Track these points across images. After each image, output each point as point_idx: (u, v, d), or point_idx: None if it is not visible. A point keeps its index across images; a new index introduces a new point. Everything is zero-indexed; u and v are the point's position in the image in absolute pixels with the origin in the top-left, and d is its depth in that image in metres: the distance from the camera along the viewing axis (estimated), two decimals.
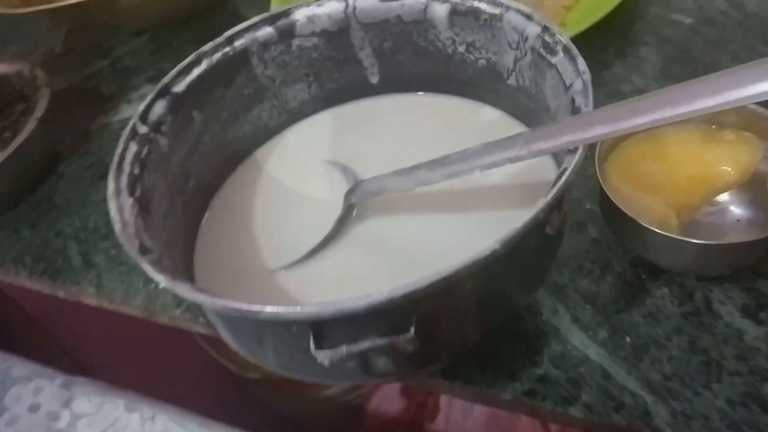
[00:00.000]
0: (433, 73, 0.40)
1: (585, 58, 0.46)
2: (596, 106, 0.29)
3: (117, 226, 0.30)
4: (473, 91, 0.40)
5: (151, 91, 0.54)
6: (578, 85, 0.30)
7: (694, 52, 0.45)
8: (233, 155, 0.41)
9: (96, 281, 0.43)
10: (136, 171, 0.33)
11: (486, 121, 0.40)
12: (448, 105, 0.41)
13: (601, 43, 0.47)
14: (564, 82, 0.31)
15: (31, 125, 0.47)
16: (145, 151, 0.34)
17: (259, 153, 0.42)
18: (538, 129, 0.29)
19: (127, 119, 0.54)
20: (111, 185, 0.32)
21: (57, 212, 0.48)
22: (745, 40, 0.45)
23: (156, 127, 0.35)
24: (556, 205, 0.26)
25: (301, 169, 0.40)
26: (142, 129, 0.35)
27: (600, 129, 0.26)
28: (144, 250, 0.29)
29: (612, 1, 0.46)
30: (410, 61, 0.40)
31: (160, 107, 0.36)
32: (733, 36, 0.45)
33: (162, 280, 0.27)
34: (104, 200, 0.47)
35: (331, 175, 0.39)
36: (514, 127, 0.38)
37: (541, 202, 0.25)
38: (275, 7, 0.52)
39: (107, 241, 0.45)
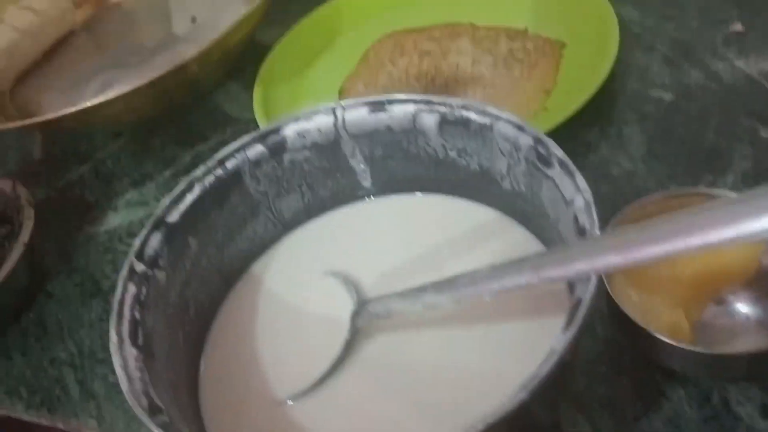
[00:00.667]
0: (425, 176, 0.40)
1: (569, 140, 0.46)
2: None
3: (124, 386, 0.29)
4: (467, 191, 0.40)
5: (136, 197, 0.56)
6: (579, 202, 0.30)
7: (677, 130, 0.46)
8: (230, 273, 0.40)
9: (96, 412, 0.41)
10: (137, 315, 0.32)
11: (482, 221, 0.39)
12: (443, 205, 0.41)
13: (583, 123, 0.47)
14: (563, 196, 0.31)
15: (17, 251, 0.46)
16: (144, 291, 0.33)
17: (256, 267, 0.41)
18: (547, 254, 0.29)
19: (114, 229, 0.53)
20: (113, 337, 0.31)
21: (49, 337, 0.47)
22: (727, 113, 0.45)
23: (153, 263, 0.34)
24: (577, 337, 0.26)
25: (300, 282, 0.40)
26: (140, 267, 0.34)
27: (612, 258, 0.25)
28: (153, 410, 0.28)
29: (592, 83, 0.46)
30: (402, 166, 0.40)
31: (155, 241, 0.35)
32: (714, 110, 0.46)
33: None
34: (97, 321, 0.47)
35: (332, 288, 0.38)
36: (511, 227, 0.38)
37: (561, 341, 0.25)
38: (261, 120, 0.53)
39: (104, 366, 0.44)
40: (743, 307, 0.32)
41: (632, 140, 0.46)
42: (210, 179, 0.38)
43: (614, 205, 0.36)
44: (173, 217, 0.36)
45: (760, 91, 0.46)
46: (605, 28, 0.51)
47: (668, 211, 0.35)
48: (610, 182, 0.44)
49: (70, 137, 0.63)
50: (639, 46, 0.53)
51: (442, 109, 0.37)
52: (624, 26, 0.51)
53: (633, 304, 0.33)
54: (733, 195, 0.35)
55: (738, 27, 0.51)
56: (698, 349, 0.31)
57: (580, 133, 0.47)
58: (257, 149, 0.39)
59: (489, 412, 0.24)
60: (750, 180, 0.41)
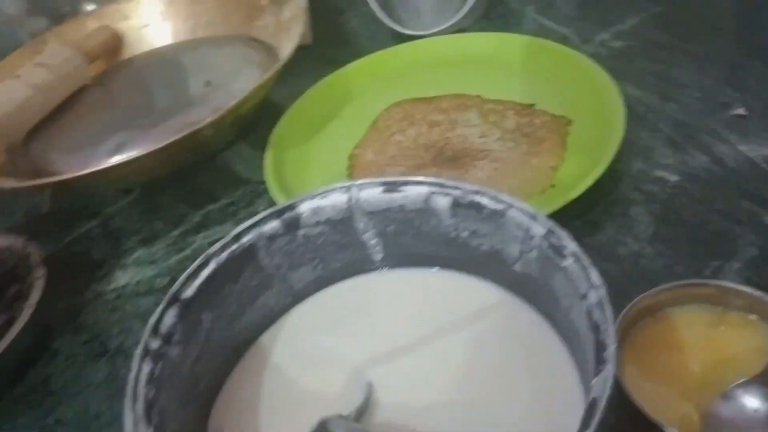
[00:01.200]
0: (436, 253, 0.41)
1: (575, 219, 0.47)
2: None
3: None
4: (478, 270, 0.41)
5: (145, 255, 0.56)
6: (593, 298, 0.30)
7: (683, 212, 0.47)
8: (239, 344, 0.41)
9: None
10: (151, 394, 0.32)
11: (491, 301, 0.40)
12: (453, 281, 0.42)
13: (590, 202, 0.48)
14: (577, 289, 0.32)
15: (27, 312, 0.46)
16: (158, 368, 0.33)
17: (264, 338, 0.42)
18: None
19: (123, 287, 0.54)
20: (128, 419, 0.31)
21: (54, 397, 0.46)
22: (730, 197, 0.47)
23: (167, 339, 0.35)
24: None
25: (306, 358, 0.40)
26: (154, 344, 0.34)
27: None
28: None
29: (599, 162, 0.47)
30: (414, 242, 0.41)
31: (170, 317, 0.35)
32: (718, 193, 0.47)
33: None
34: (104, 382, 0.47)
35: (336, 372, 0.39)
36: (520, 308, 0.39)
37: None
38: (272, 183, 0.54)
39: (111, 430, 0.43)
40: (751, 401, 0.33)
41: (639, 221, 0.47)
42: (225, 254, 0.38)
43: (622, 288, 0.37)
44: (188, 292, 0.36)
45: (762, 176, 0.48)
46: (611, 106, 0.52)
47: (679, 300, 0.37)
48: (617, 264, 0.44)
49: (79, 194, 0.63)
50: (644, 126, 0.54)
51: (455, 192, 0.38)
52: (629, 105, 0.53)
53: (644, 394, 0.33)
54: (745, 290, 0.36)
55: (740, 111, 0.53)
56: None
57: (587, 212, 0.48)
58: (273, 225, 0.39)
59: None
60: (756, 266, 0.42)
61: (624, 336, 0.36)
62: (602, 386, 0.27)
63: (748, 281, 0.40)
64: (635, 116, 0.55)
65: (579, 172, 0.49)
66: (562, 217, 0.43)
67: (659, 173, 0.50)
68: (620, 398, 0.34)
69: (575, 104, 0.56)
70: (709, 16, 0.66)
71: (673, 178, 0.49)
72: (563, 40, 0.67)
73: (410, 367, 0.38)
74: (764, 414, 0.32)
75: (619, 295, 0.36)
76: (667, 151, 0.51)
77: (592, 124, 0.53)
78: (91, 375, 0.47)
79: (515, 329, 0.38)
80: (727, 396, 0.33)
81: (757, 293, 0.35)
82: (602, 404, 0.26)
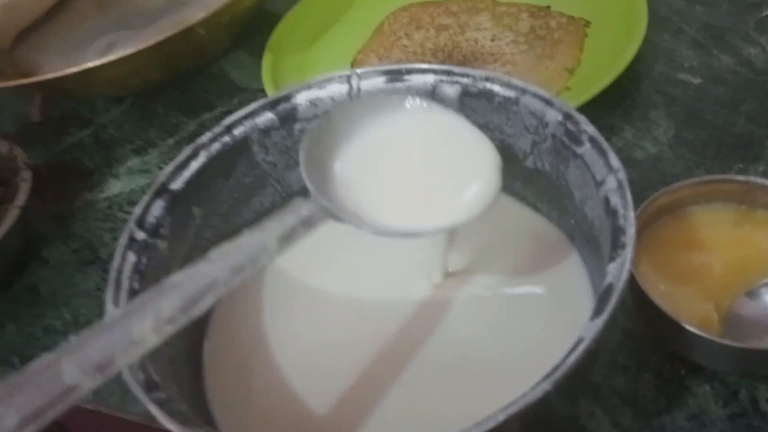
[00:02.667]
0: None
1: (592, 122, 0.44)
2: None
3: None
4: None
5: (138, 164, 0.54)
6: (611, 183, 0.28)
7: (706, 115, 0.44)
8: None
9: None
10: (136, 285, 0.31)
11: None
12: None
13: (607, 105, 0.45)
14: (593, 176, 0.29)
15: (12, 214, 0.44)
16: (144, 260, 0.32)
17: None
18: None
19: (116, 195, 0.51)
20: (109, 307, 0.29)
21: (42, 304, 0.45)
22: (758, 99, 0.44)
23: (154, 231, 0.33)
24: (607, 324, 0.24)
25: (309, 260, 0.38)
26: (140, 235, 0.32)
27: None
28: (150, 386, 0.26)
29: (617, 64, 0.44)
30: None
31: (157, 208, 0.33)
32: (745, 95, 0.44)
33: (173, 427, 0.24)
34: (95, 289, 0.45)
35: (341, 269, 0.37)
36: (527, 213, 0.37)
37: (590, 329, 0.23)
38: (270, 89, 0.51)
39: None
40: None
41: (659, 125, 0.44)
42: (216, 146, 0.36)
43: (638, 191, 0.34)
44: (177, 184, 0.34)
45: None
46: (633, 8, 0.49)
47: (700, 198, 0.34)
48: (634, 167, 0.42)
49: (70, 101, 0.61)
50: (667, 28, 0.51)
51: (464, 80, 0.35)
52: (651, 7, 0.49)
53: (661, 294, 0.31)
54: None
55: None
56: (727, 342, 0.29)
57: (604, 116, 0.45)
58: (267, 117, 0.37)
59: (510, 402, 0.22)
60: None
61: (640, 234, 0.33)
62: (619, 270, 0.25)
63: None
64: (658, 18, 0.51)
65: (596, 75, 0.45)
66: None
67: (682, 76, 0.47)
68: (636, 298, 0.32)
69: (594, 5, 0.53)
70: None
71: (697, 80, 0.46)
72: None
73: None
74: None
75: (635, 199, 0.34)
76: (692, 54, 0.48)
77: (611, 26, 0.50)
78: (81, 283, 0.46)
79: (521, 235, 0.36)
80: (751, 294, 0.31)
81: None
82: (618, 288, 0.24)
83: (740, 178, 0.34)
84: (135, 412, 0.38)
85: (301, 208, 0.28)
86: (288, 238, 0.27)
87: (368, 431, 0.29)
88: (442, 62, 0.53)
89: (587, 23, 0.52)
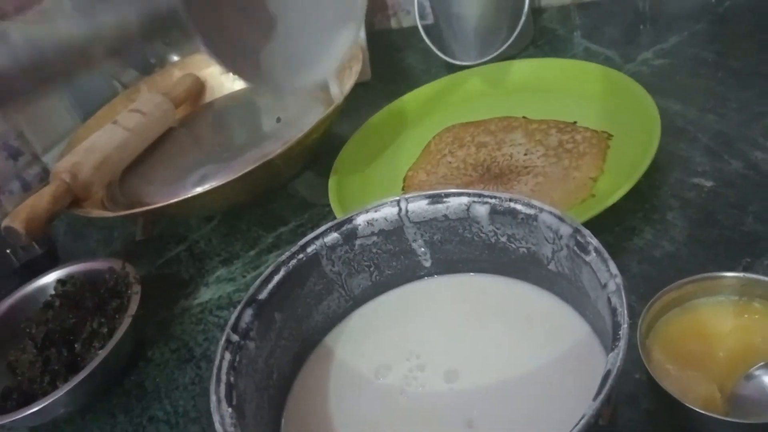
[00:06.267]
0: (479, 258, 0.45)
1: (615, 226, 0.51)
2: (629, 272, 0.32)
3: None
4: (517, 272, 0.45)
5: (225, 273, 0.63)
6: (612, 286, 0.34)
7: (717, 215, 0.49)
8: (307, 343, 0.46)
9: None
10: (232, 379, 0.38)
11: (532, 299, 0.44)
12: (496, 284, 0.46)
13: (628, 210, 0.51)
14: (599, 280, 0.35)
15: (126, 322, 0.53)
16: (237, 358, 0.39)
17: (329, 338, 0.47)
18: None
19: (206, 302, 0.60)
20: (213, 397, 0.36)
21: (148, 397, 0.53)
22: (765, 200, 0.49)
23: (245, 334, 0.40)
24: (607, 401, 0.30)
25: (366, 355, 0.45)
26: (234, 338, 0.40)
27: None
28: None
29: (636, 172, 0.50)
30: (458, 249, 0.46)
31: (247, 315, 0.41)
32: (753, 197, 0.49)
33: None
34: (191, 384, 0.53)
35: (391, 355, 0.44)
36: (560, 306, 0.42)
37: (591, 407, 0.29)
38: (335, 205, 0.60)
39: (197, 425, 0.49)
40: None
41: (675, 225, 0.50)
42: (293, 262, 0.44)
43: (657, 285, 0.40)
44: (263, 295, 0.42)
45: None
46: (648, 121, 0.55)
47: (704, 291, 0.39)
48: (653, 264, 0.47)
49: (167, 221, 0.72)
50: (682, 137, 0.57)
51: (492, 201, 0.42)
52: (667, 118, 0.56)
53: (671, 378, 0.36)
54: (764, 278, 0.38)
55: None
56: (731, 419, 0.34)
57: (626, 219, 0.51)
58: (333, 236, 0.45)
59: None
60: None
61: (651, 326, 0.39)
62: (615, 358, 0.30)
63: None
64: (674, 129, 0.58)
65: (618, 183, 0.52)
66: (602, 224, 0.47)
67: (696, 180, 0.52)
68: (649, 382, 0.37)
69: (615, 120, 0.60)
70: (749, 31, 0.68)
71: (709, 183, 0.52)
72: (607, 61, 0.70)
73: (460, 357, 0.42)
74: None
75: (654, 292, 0.40)
76: (704, 160, 0.54)
77: (631, 138, 0.57)
78: (179, 378, 0.54)
79: (555, 325, 0.42)
80: (749, 377, 0.35)
81: None
82: (614, 374, 0.30)
83: (738, 274, 0.39)
84: None
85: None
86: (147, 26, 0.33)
87: None
88: (482, 175, 0.60)
89: (609, 136, 0.59)
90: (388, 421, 0.40)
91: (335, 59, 0.40)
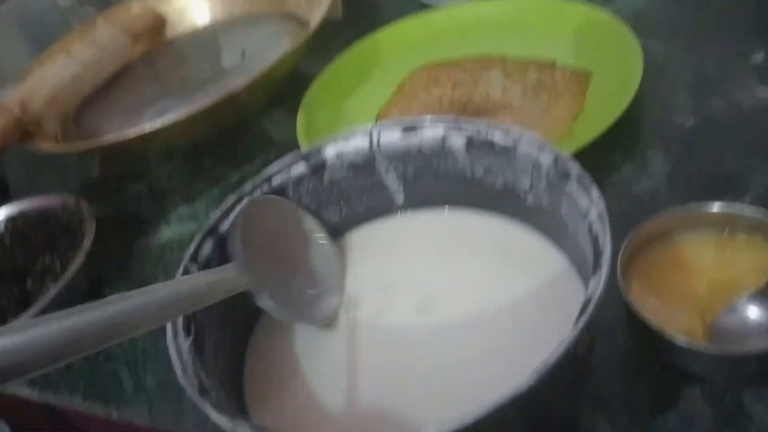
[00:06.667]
0: (454, 192, 0.43)
1: (593, 164, 0.48)
2: (609, 209, 0.31)
3: (178, 370, 0.32)
4: (494, 207, 0.43)
5: (187, 212, 0.60)
6: (594, 213, 0.32)
7: (699, 154, 0.48)
8: None
9: (147, 404, 0.45)
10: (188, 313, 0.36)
11: (508, 233, 0.42)
12: (471, 219, 0.44)
13: (607, 148, 0.49)
14: (579, 209, 0.34)
15: (79, 259, 0.50)
16: None
17: None
18: None
19: (167, 241, 0.58)
20: (169, 328, 0.34)
21: None
22: (746, 139, 0.47)
23: (205, 266, 0.38)
24: (585, 330, 0.29)
25: None
26: (193, 269, 0.37)
27: None
28: (203, 391, 0.31)
29: (616, 110, 0.49)
30: (433, 183, 0.43)
31: (207, 247, 0.39)
32: (735, 136, 0.48)
33: (223, 422, 0.29)
34: None
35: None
36: (536, 240, 0.41)
37: (571, 333, 0.27)
38: (304, 144, 0.57)
39: (156, 363, 0.47)
40: (755, 312, 0.34)
41: (654, 162, 0.48)
42: (257, 194, 0.41)
43: (636, 221, 0.39)
44: (224, 227, 0.40)
45: None
46: (630, 60, 0.53)
47: (686, 224, 0.38)
48: (632, 201, 0.46)
49: (126, 159, 0.68)
50: (663, 77, 0.55)
51: (469, 130, 0.40)
52: (649, 58, 0.54)
53: (650, 310, 0.35)
54: (750, 212, 0.37)
55: (759, 58, 0.53)
56: (712, 349, 0.33)
57: (605, 157, 0.49)
58: (300, 168, 0.42)
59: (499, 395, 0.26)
60: (766, 199, 0.43)
61: (631, 259, 0.38)
62: (596, 285, 0.29)
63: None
64: (655, 68, 0.56)
65: (597, 122, 0.50)
66: (579, 162, 0.45)
67: (677, 118, 0.51)
68: (628, 313, 0.36)
69: (595, 59, 0.58)
70: None
71: (690, 122, 0.50)
72: None
73: (433, 291, 0.40)
74: (766, 323, 0.34)
75: (632, 228, 0.38)
76: (686, 99, 0.52)
77: (611, 77, 0.55)
78: None
79: (531, 259, 0.40)
80: (731, 308, 0.34)
81: (760, 214, 0.36)
82: (594, 301, 0.28)
83: (721, 205, 0.38)
84: (186, 428, 0.43)
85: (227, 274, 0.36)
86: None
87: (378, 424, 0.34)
88: (457, 114, 0.58)
89: (589, 75, 0.57)
90: (358, 356, 0.38)
91: None
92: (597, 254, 0.31)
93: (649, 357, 0.36)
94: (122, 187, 0.65)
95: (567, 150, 0.46)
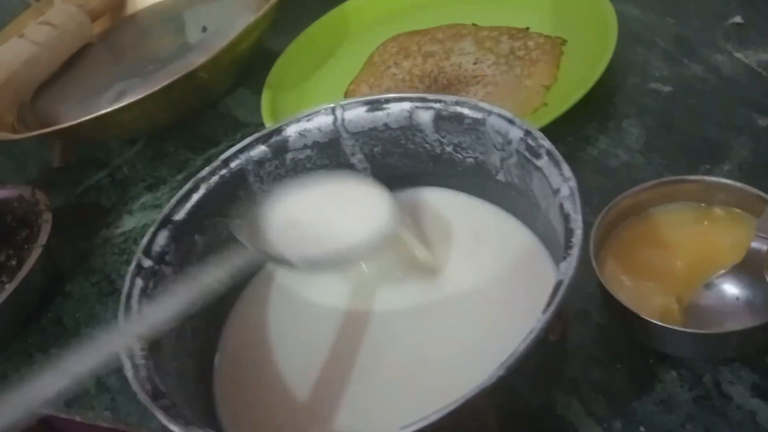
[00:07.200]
0: (423, 171, 0.42)
1: (568, 135, 0.47)
2: (584, 184, 0.30)
3: (128, 373, 0.30)
4: (464, 185, 0.41)
5: (150, 200, 0.58)
6: (565, 191, 0.31)
7: (676, 122, 0.46)
8: None
9: (111, 405, 0.43)
10: (144, 308, 0.34)
11: (479, 213, 0.40)
12: (440, 199, 0.42)
13: (583, 118, 0.48)
14: (551, 186, 0.32)
15: (35, 253, 0.48)
16: (151, 284, 0.35)
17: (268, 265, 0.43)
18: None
19: (130, 231, 0.55)
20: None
21: (67, 334, 0.49)
22: (725, 104, 0.46)
23: (160, 258, 0.36)
24: (556, 315, 0.27)
25: (307, 279, 0.41)
26: (147, 263, 0.35)
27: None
28: (156, 395, 0.29)
29: (590, 78, 0.47)
30: (401, 162, 0.42)
31: (162, 238, 0.37)
32: (713, 101, 0.46)
33: (176, 429, 0.27)
34: (113, 318, 0.48)
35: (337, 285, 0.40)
36: (507, 220, 0.39)
37: (540, 320, 0.26)
38: (270, 124, 0.54)
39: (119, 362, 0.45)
40: (732, 290, 0.33)
41: (631, 133, 0.46)
42: (215, 179, 0.39)
43: (612, 196, 0.37)
44: (179, 215, 0.38)
45: (759, 82, 0.47)
46: (605, 25, 0.51)
47: (662, 198, 0.37)
48: (608, 174, 0.44)
49: (87, 146, 0.65)
50: (640, 42, 0.53)
51: (437, 105, 0.38)
52: (625, 23, 0.52)
53: (625, 290, 0.34)
54: (729, 183, 0.35)
55: (737, 19, 0.52)
56: (689, 329, 0.32)
57: (580, 128, 0.48)
58: (260, 149, 0.40)
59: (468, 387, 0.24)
60: (747, 168, 0.41)
61: (606, 236, 0.36)
62: (567, 268, 0.27)
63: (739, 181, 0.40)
64: (632, 34, 0.54)
65: (572, 91, 0.48)
66: (555, 134, 0.43)
67: (653, 86, 0.49)
68: (604, 296, 0.34)
69: (570, 25, 0.56)
70: None
71: (667, 88, 0.49)
72: None
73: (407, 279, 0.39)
74: (744, 301, 0.33)
75: (607, 203, 0.37)
76: (663, 65, 0.51)
77: (586, 44, 0.53)
78: (100, 313, 0.49)
79: (502, 240, 0.39)
80: (709, 286, 0.33)
81: (738, 185, 0.35)
82: (566, 284, 0.26)
83: (697, 177, 0.36)
84: (151, 427, 0.41)
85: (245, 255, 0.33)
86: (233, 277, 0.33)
87: (348, 419, 0.33)
88: (428, 87, 0.56)
89: (563, 42, 0.55)
90: (331, 343, 0.37)
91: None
92: (568, 233, 0.29)
93: (626, 340, 0.35)
94: (83, 177, 0.62)
95: (541, 121, 0.45)
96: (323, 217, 0.36)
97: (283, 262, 0.34)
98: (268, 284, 0.41)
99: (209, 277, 0.32)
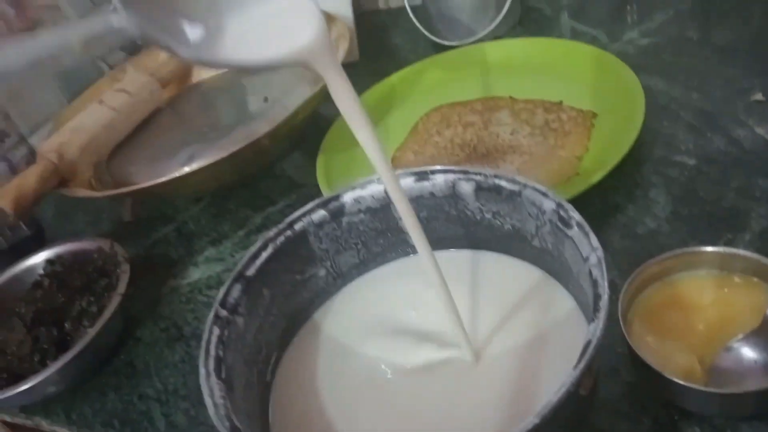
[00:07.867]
0: (465, 234, 0.46)
1: (598, 203, 0.51)
2: (612, 247, 0.32)
3: (210, 410, 0.35)
4: (503, 248, 0.45)
5: (214, 253, 0.63)
6: (593, 259, 0.35)
7: (699, 192, 0.50)
8: (295, 320, 0.46)
9: None
10: (221, 353, 0.38)
11: (520, 274, 0.44)
12: (483, 260, 0.46)
13: (613, 187, 0.52)
14: (581, 253, 0.36)
15: (115, 301, 0.53)
16: (226, 332, 0.40)
17: (317, 315, 0.47)
18: None
19: (196, 281, 0.61)
20: (202, 370, 0.37)
21: (138, 375, 0.53)
22: (746, 175, 0.49)
23: (234, 309, 0.41)
24: (587, 371, 0.31)
25: (354, 330, 0.45)
26: (223, 313, 0.40)
27: None
28: (234, 430, 0.34)
29: (621, 150, 0.51)
30: (445, 226, 0.46)
31: (236, 291, 0.41)
32: (734, 173, 0.50)
33: None
34: (180, 362, 0.54)
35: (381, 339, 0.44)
36: (546, 281, 0.43)
37: (571, 375, 0.30)
38: (323, 185, 0.60)
39: (186, 402, 0.50)
40: (750, 353, 0.36)
41: (658, 202, 0.50)
42: (281, 239, 0.44)
43: (639, 261, 0.41)
44: (251, 271, 0.43)
45: None
46: (633, 100, 0.56)
47: (685, 266, 0.40)
48: (636, 240, 0.48)
49: (155, 202, 0.72)
50: (666, 115, 0.58)
51: (478, 177, 0.43)
52: (651, 96, 0.56)
53: (651, 350, 0.37)
54: (747, 254, 0.39)
55: (759, 96, 0.56)
56: (710, 389, 0.35)
57: (610, 196, 0.52)
58: (320, 213, 0.45)
59: None
60: (767, 237, 0.44)
61: (633, 299, 0.40)
62: (595, 328, 0.31)
63: (758, 251, 0.43)
64: (658, 107, 0.58)
65: (602, 161, 0.52)
66: (586, 202, 0.48)
67: (679, 158, 0.53)
68: (630, 354, 0.38)
69: (600, 99, 0.60)
70: (732, 8, 0.68)
71: (692, 161, 0.52)
72: (593, 41, 0.71)
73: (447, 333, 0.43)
74: (761, 364, 0.36)
75: (634, 267, 0.40)
76: (688, 137, 0.55)
77: (615, 117, 0.57)
78: (168, 356, 0.54)
79: (542, 300, 0.43)
80: (728, 349, 0.36)
81: (756, 256, 0.38)
82: (593, 343, 0.30)
83: (718, 248, 0.40)
84: None
85: (111, 18, 0.28)
86: (91, 44, 0.28)
87: None
88: (468, 155, 0.61)
89: (594, 115, 0.59)
90: (376, 394, 0.41)
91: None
92: (596, 298, 0.33)
93: (652, 396, 0.38)
94: (152, 230, 0.68)
95: (574, 191, 0.49)
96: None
97: (165, 46, 0.30)
98: (317, 333, 0.46)
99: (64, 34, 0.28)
